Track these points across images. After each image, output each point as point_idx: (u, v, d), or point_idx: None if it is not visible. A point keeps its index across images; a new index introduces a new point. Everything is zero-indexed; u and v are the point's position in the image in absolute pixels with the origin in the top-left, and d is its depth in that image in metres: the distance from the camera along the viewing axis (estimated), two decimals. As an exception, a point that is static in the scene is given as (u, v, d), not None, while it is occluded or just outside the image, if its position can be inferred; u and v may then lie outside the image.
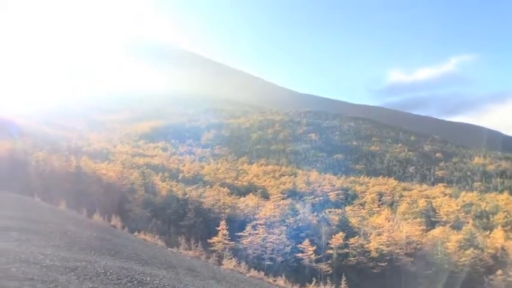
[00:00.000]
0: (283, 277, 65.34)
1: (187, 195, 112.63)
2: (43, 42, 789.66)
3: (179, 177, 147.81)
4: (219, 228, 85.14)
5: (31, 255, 21.85)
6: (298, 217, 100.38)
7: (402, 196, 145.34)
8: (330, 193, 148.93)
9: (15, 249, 22.50)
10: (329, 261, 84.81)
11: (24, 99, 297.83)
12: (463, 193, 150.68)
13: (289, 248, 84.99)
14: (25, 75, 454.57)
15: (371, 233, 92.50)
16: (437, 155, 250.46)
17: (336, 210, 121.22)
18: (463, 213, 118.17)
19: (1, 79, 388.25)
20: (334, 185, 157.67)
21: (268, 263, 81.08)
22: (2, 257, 19.52)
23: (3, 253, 20.48)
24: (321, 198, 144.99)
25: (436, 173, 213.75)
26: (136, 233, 65.73)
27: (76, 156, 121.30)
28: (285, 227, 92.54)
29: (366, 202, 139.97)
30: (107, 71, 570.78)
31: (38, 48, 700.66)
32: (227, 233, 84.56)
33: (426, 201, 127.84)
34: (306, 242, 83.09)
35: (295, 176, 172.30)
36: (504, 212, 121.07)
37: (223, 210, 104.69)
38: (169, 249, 60.50)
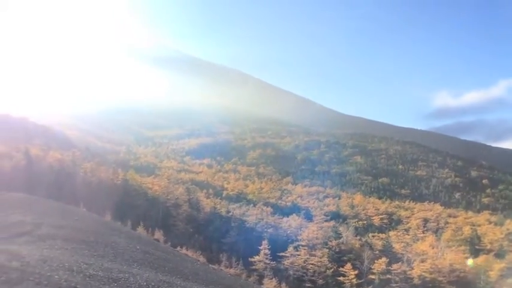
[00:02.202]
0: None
1: (230, 213, 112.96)
2: (88, 52, 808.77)
3: (223, 195, 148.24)
4: (261, 248, 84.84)
5: (75, 264, 22.07)
6: (340, 240, 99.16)
7: (447, 223, 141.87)
8: (374, 217, 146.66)
9: (60, 258, 22.78)
10: (371, 287, 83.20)
11: (73, 111, 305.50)
12: (508, 221, 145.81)
13: (331, 271, 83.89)
14: (72, 86, 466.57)
15: (415, 260, 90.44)
16: (483, 181, 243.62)
17: (380, 234, 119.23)
18: (506, 242, 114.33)
19: (50, 91, 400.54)
20: (378, 209, 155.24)
21: (309, 285, 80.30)
22: (45, 265, 19.78)
23: (47, 261, 20.76)
24: (365, 222, 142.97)
25: (482, 200, 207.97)
26: (178, 248, 66.07)
27: (123, 169, 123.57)
28: (327, 250, 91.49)
29: (410, 228, 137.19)
30: (157, 88, 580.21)
31: (82, 59, 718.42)
32: (269, 252, 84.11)
33: (471, 228, 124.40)
34: (348, 266, 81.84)
35: (339, 199, 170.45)
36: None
37: (265, 230, 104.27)
38: (210, 265, 60.45)
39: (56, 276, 18.05)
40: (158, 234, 75.67)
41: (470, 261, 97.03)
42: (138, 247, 38.63)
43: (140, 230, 72.43)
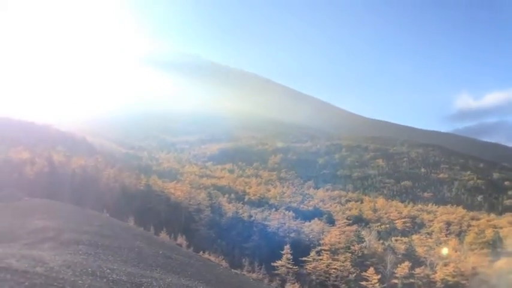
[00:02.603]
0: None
1: (252, 218, 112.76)
2: (113, 60, 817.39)
3: (245, 199, 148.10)
4: (283, 252, 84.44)
5: (98, 269, 22.14)
6: (363, 244, 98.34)
7: (470, 226, 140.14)
8: (397, 221, 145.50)
9: (83, 263, 22.87)
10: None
11: (97, 118, 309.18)
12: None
13: (354, 275, 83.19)
14: (97, 94, 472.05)
15: (437, 264, 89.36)
16: (505, 183, 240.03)
17: (403, 238, 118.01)
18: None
19: (74, 98, 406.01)
20: (401, 213, 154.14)
21: (332, 290, 79.61)
22: (69, 270, 19.85)
23: (71, 266, 20.84)
24: (387, 225, 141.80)
25: (504, 202, 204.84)
26: (201, 253, 66.09)
27: (146, 175, 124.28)
28: (349, 254, 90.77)
29: (433, 231, 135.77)
30: (179, 95, 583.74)
31: (106, 66, 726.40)
32: (291, 257, 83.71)
33: (494, 231, 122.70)
34: (371, 270, 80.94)
35: (362, 202, 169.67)
36: None
37: (287, 234, 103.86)
38: (232, 270, 60.36)
39: (80, 282, 18.09)
40: (181, 239, 75.82)
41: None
42: (160, 252, 38.71)
43: (163, 235, 72.64)
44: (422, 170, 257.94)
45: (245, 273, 70.77)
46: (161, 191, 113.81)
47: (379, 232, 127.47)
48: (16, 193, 65.70)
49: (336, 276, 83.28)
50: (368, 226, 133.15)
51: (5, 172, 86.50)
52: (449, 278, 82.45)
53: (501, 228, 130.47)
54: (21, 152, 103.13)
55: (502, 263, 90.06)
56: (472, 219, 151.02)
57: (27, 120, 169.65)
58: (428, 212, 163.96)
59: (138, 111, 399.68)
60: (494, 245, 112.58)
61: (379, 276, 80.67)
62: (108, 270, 22.36)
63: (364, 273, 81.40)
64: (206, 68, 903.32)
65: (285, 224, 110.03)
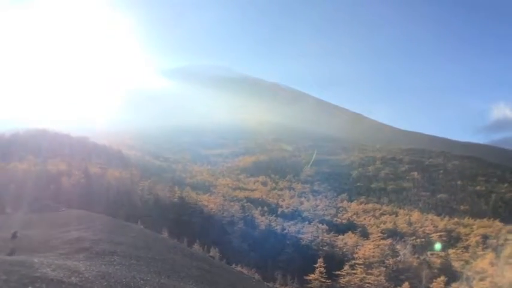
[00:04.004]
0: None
1: (285, 230, 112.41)
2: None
3: (278, 212, 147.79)
4: (316, 265, 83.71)
5: (132, 280, 22.26)
6: (398, 258, 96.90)
7: (507, 239, 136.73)
8: (433, 234, 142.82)
9: (117, 273, 23.03)
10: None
11: (129, 130, 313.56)
12: None
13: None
14: (132, 107, 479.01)
15: (474, 278, 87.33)
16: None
17: (438, 252, 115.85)
18: None
19: (104, 112, 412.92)
20: (436, 226, 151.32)
21: (366, 304, 78.49)
22: (104, 280, 20.00)
23: (105, 276, 21.00)
24: (423, 239, 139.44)
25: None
26: (233, 265, 66.02)
27: (179, 187, 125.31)
28: (384, 268, 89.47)
29: (469, 245, 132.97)
30: (212, 107, 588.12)
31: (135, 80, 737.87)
32: (324, 270, 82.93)
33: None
34: (406, 284, 79.48)
35: (396, 216, 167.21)
36: None
37: (321, 247, 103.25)
38: (265, 283, 60.09)
39: (114, 292, 18.21)
40: (214, 251, 75.98)
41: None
42: (194, 264, 38.79)
43: (196, 246, 72.90)
44: (459, 182, 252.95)
45: (278, 286, 70.43)
46: (195, 203, 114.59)
47: (414, 246, 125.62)
48: (53, 204, 66.91)
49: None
50: (403, 240, 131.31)
51: (42, 183, 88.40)
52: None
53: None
54: (58, 164, 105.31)
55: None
56: (510, 232, 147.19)
57: (63, 133, 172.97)
58: (465, 226, 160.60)
59: (172, 124, 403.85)
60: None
61: (414, 291, 79.29)
62: (141, 281, 22.48)
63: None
64: (238, 81, 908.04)
65: (318, 237, 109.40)
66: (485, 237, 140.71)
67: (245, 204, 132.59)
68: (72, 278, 18.97)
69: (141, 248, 37.28)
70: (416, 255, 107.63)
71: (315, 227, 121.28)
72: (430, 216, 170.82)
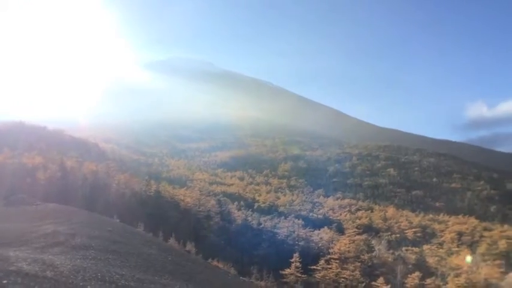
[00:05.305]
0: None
1: (261, 225, 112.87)
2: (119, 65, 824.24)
3: (255, 207, 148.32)
4: (292, 260, 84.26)
5: (107, 274, 22.33)
6: (373, 254, 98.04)
7: (482, 236, 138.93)
8: (407, 230, 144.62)
9: (93, 268, 23.08)
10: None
11: (106, 123, 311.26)
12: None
13: (363, 285, 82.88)
14: (108, 101, 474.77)
15: (449, 274, 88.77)
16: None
17: (413, 248, 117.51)
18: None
19: (81, 105, 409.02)
20: (411, 222, 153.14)
21: (341, 299, 79.30)
22: (79, 275, 20.05)
23: (80, 271, 21.05)
24: (398, 235, 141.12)
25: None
26: (209, 260, 66.16)
27: (156, 181, 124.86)
28: (359, 263, 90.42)
29: (444, 241, 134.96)
30: (190, 102, 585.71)
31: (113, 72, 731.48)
32: (300, 265, 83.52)
33: (507, 242, 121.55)
34: (381, 280, 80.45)
35: (372, 211, 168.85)
36: None
37: (297, 242, 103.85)
38: (241, 278, 60.38)
39: (89, 287, 18.29)
40: (190, 246, 75.98)
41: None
42: (169, 258, 38.89)
43: (172, 241, 72.80)
44: (434, 179, 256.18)
45: (253, 281, 70.71)
46: (171, 198, 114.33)
47: (389, 242, 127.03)
48: (28, 198, 66.33)
49: (345, 286, 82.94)
50: (378, 235, 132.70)
51: (18, 177, 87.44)
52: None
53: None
54: (34, 157, 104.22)
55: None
56: (485, 229, 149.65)
57: (40, 126, 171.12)
58: (440, 222, 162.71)
59: (150, 118, 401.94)
60: (507, 257, 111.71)
61: (388, 286, 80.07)
62: (117, 276, 22.54)
63: (373, 283, 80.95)
64: (219, 75, 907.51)
65: (294, 232, 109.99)
66: (460, 234, 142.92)
67: (222, 198, 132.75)
68: (47, 272, 19.01)
69: (116, 242, 37.24)
70: (391, 251, 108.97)
71: (291, 222, 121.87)
72: (405, 212, 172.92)
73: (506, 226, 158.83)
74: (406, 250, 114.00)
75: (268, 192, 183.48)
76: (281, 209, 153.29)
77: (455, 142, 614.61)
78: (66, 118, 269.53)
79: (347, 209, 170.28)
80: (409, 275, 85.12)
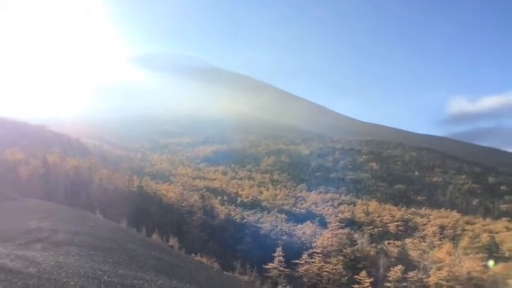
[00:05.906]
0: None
1: (245, 220, 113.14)
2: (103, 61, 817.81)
3: (238, 202, 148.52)
4: (275, 255, 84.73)
5: (90, 270, 22.42)
6: (355, 247, 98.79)
7: (464, 230, 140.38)
8: (390, 224, 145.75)
9: (75, 264, 23.16)
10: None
11: (91, 120, 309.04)
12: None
13: (346, 278, 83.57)
14: (90, 96, 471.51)
15: (431, 268, 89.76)
16: (501, 187, 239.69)
17: (396, 242, 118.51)
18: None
19: (63, 100, 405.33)
20: (394, 216, 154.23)
21: (324, 292, 79.87)
22: (61, 271, 20.14)
23: (63, 267, 21.13)
24: (380, 229, 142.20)
25: (500, 206, 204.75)
26: (192, 255, 66.30)
27: (138, 176, 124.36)
28: (342, 257, 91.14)
29: (426, 235, 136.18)
30: (172, 96, 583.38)
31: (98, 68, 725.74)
32: (283, 259, 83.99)
33: (489, 236, 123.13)
34: (363, 273, 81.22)
35: (354, 205, 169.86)
36: None
37: (280, 237, 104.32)
38: (224, 272, 60.61)
39: (72, 283, 18.38)
40: (173, 241, 76.06)
41: (491, 262, 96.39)
42: (152, 254, 38.98)
43: (155, 236, 72.83)
44: (416, 173, 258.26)
45: (237, 275, 71.03)
46: (153, 193, 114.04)
47: (371, 235, 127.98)
48: (10, 193, 65.84)
49: (328, 279, 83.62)
50: (361, 229, 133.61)
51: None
52: (443, 283, 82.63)
53: (497, 233, 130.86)
54: (15, 153, 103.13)
55: (498, 268, 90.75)
56: (467, 223, 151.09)
57: (22, 121, 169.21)
58: (422, 216, 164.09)
59: (132, 113, 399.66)
60: (490, 250, 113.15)
61: (371, 280, 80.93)
62: (100, 272, 22.63)
63: (356, 276, 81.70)
64: (201, 70, 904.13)
65: (277, 226, 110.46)
66: (442, 228, 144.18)
67: (205, 193, 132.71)
68: (30, 269, 19.08)
69: (99, 238, 37.27)
70: (373, 244, 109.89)
71: (274, 216, 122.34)
72: (387, 206, 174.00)
73: (488, 220, 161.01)
74: (389, 244, 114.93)
75: (251, 187, 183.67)
76: (264, 203, 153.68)
77: (437, 136, 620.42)
78: (50, 114, 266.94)
79: (330, 203, 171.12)
80: (391, 268, 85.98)
